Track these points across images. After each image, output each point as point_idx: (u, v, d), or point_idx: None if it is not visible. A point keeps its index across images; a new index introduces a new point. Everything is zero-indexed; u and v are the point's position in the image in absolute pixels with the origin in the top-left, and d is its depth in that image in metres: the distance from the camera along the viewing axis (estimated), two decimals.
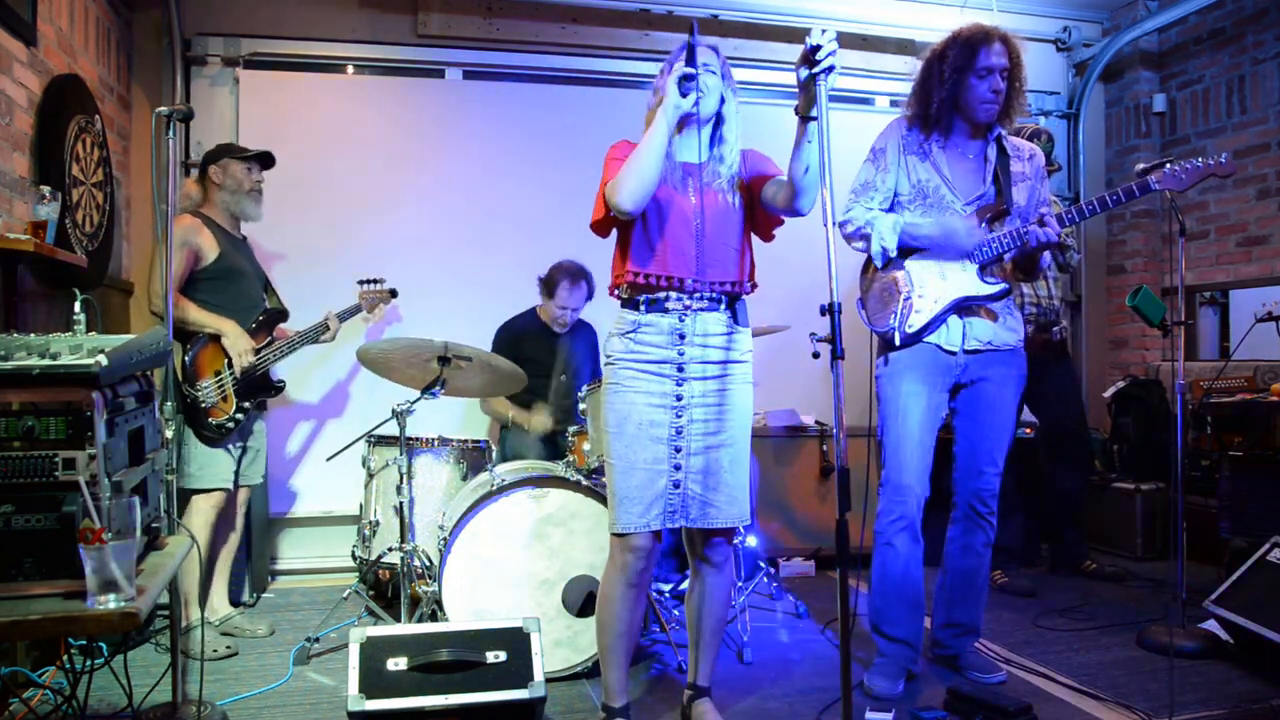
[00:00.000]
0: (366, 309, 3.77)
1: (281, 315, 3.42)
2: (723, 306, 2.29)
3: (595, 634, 2.38)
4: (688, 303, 2.24)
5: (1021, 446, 3.95)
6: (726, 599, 2.42)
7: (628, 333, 2.27)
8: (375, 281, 3.82)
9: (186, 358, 3.08)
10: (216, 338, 3.14)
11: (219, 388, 3.14)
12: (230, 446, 3.20)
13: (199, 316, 3.11)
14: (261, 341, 3.27)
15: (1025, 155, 2.76)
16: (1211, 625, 3.04)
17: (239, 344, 3.16)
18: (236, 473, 3.26)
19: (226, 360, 3.16)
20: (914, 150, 2.70)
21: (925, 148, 2.70)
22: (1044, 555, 4.23)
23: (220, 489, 3.17)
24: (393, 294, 3.87)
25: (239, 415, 3.19)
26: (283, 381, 3.40)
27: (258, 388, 3.26)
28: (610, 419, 2.27)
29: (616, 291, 2.35)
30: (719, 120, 2.30)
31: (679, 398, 2.25)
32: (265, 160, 3.35)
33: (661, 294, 2.25)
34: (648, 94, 2.36)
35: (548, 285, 3.85)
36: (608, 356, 2.31)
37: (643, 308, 2.26)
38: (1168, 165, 2.55)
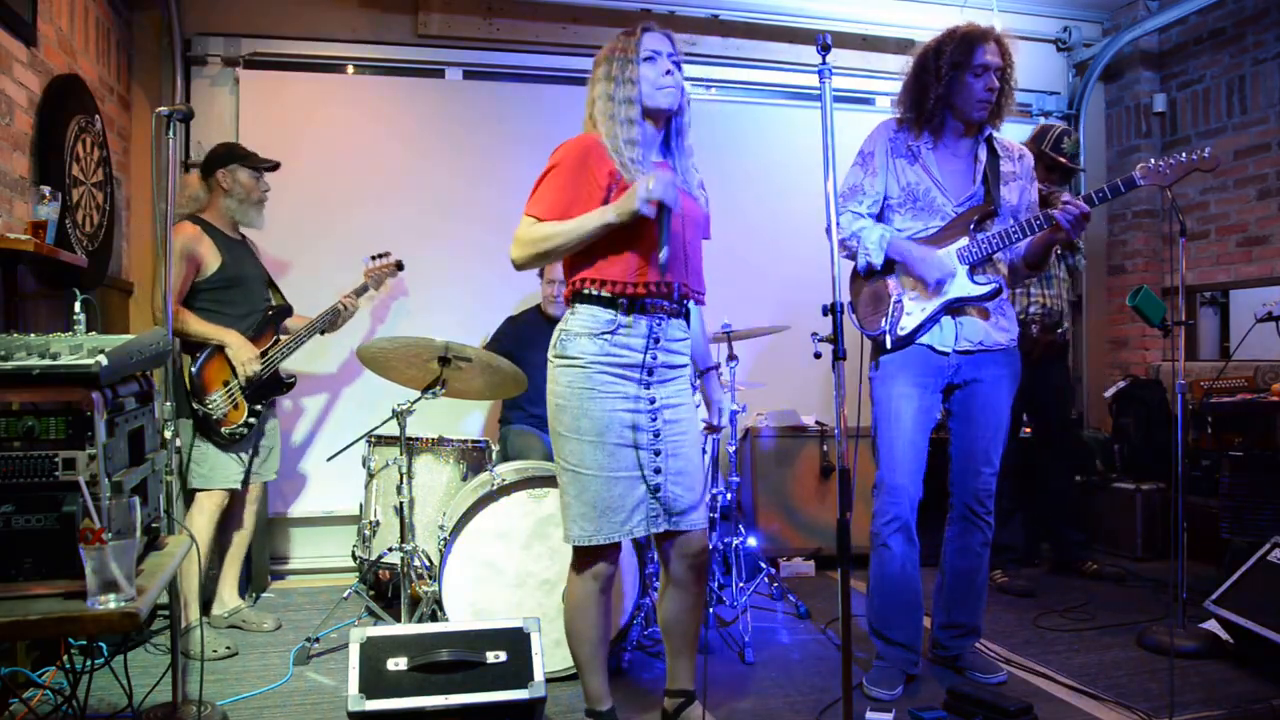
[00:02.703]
0: (374, 286, 3.72)
1: (285, 312, 3.43)
2: (683, 311, 2.29)
3: (568, 645, 2.31)
4: (664, 306, 2.21)
5: (1020, 446, 3.96)
6: (704, 601, 2.39)
7: (604, 333, 2.16)
8: (381, 255, 3.74)
9: (193, 371, 3.10)
10: (221, 348, 3.16)
11: (229, 398, 3.17)
12: (243, 450, 3.24)
13: (200, 329, 3.12)
14: (267, 342, 3.28)
15: (1015, 155, 2.76)
16: (1211, 625, 3.04)
17: (242, 353, 3.17)
18: (248, 472, 3.30)
19: (233, 370, 3.18)
20: (902, 153, 2.70)
21: (914, 150, 2.69)
22: (1044, 555, 4.23)
23: (227, 489, 3.21)
24: (399, 266, 3.79)
25: (252, 419, 3.22)
26: (293, 377, 3.42)
27: (268, 388, 3.28)
28: (586, 426, 2.15)
29: (589, 289, 2.18)
30: (681, 115, 2.27)
31: (652, 400, 2.21)
32: (273, 168, 3.36)
33: (646, 298, 2.18)
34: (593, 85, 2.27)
35: (540, 269, 3.89)
36: (573, 358, 2.17)
37: (622, 309, 2.17)
38: (1151, 160, 2.58)
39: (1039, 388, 3.88)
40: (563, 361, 2.21)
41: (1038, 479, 4.04)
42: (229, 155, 3.28)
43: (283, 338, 3.34)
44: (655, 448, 2.20)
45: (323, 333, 3.48)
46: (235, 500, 3.30)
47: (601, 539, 2.17)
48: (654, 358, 2.20)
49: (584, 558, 2.23)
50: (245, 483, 3.29)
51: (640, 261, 2.16)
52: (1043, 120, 5.05)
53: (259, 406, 3.25)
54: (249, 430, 3.22)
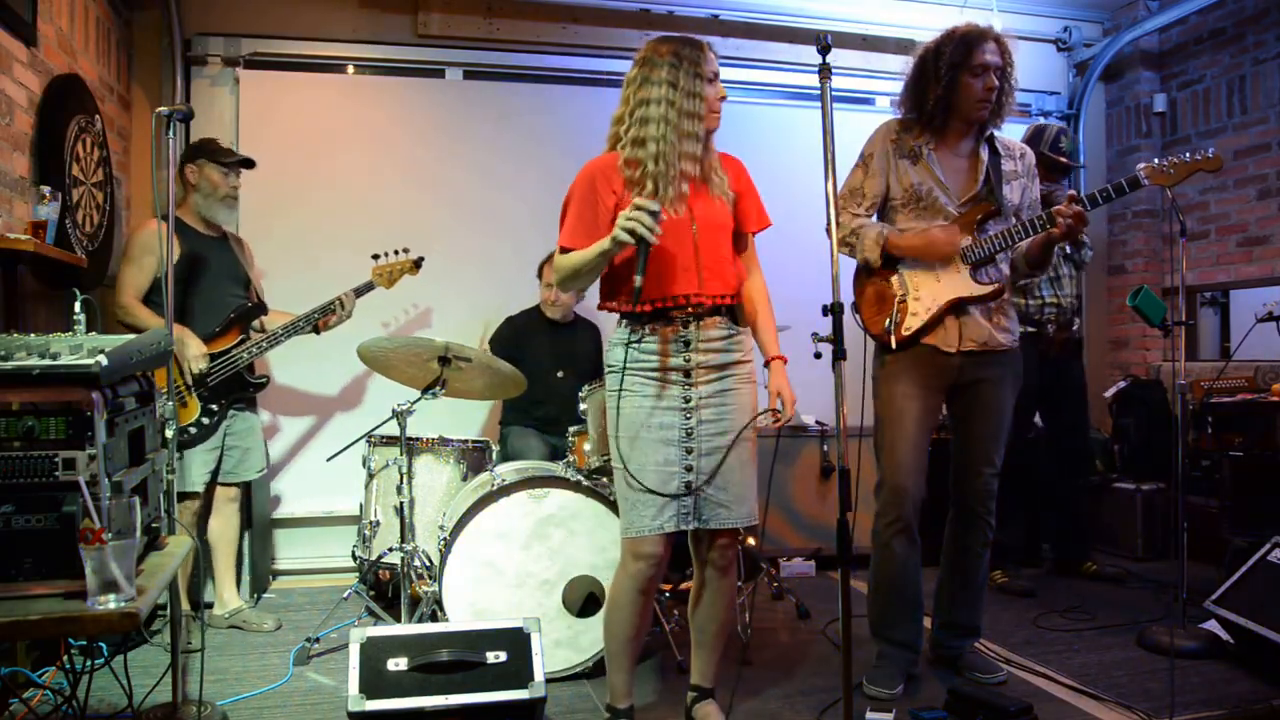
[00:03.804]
0: (384, 284, 3.53)
1: (256, 310, 3.33)
2: (721, 312, 2.30)
3: (602, 635, 2.39)
4: (690, 312, 2.24)
5: (1022, 445, 3.95)
6: (732, 601, 2.43)
7: (631, 342, 2.25)
8: (397, 251, 3.52)
9: None
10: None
11: (175, 395, 3.07)
12: (199, 449, 3.16)
13: (150, 323, 3.04)
14: (230, 340, 3.20)
15: (1017, 154, 2.77)
16: (1211, 625, 3.04)
17: (188, 349, 3.08)
18: (215, 472, 3.23)
19: (181, 367, 3.09)
20: (904, 154, 2.70)
21: (916, 150, 2.70)
22: (1044, 555, 4.22)
23: (188, 493, 3.15)
24: (417, 265, 3.58)
25: (205, 419, 3.15)
26: (265, 378, 3.34)
27: (230, 387, 3.21)
28: (619, 424, 2.25)
29: (612, 304, 2.32)
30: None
31: (687, 399, 2.24)
32: (246, 164, 3.30)
33: (664, 311, 2.24)
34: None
35: (539, 270, 3.93)
36: (610, 365, 2.30)
37: (645, 321, 2.25)
38: (1155, 160, 2.58)
39: (1056, 385, 3.89)
40: (606, 368, 2.35)
41: (1040, 479, 4.04)
42: (198, 150, 3.24)
43: (253, 335, 3.26)
44: (687, 445, 2.24)
45: (317, 331, 3.40)
46: (205, 502, 3.25)
47: (634, 532, 2.23)
48: (688, 360, 2.25)
49: (626, 554, 2.28)
50: (212, 484, 3.24)
51: (653, 284, 2.21)
52: (1042, 120, 5.05)
53: (215, 406, 3.17)
54: (200, 430, 3.14)
